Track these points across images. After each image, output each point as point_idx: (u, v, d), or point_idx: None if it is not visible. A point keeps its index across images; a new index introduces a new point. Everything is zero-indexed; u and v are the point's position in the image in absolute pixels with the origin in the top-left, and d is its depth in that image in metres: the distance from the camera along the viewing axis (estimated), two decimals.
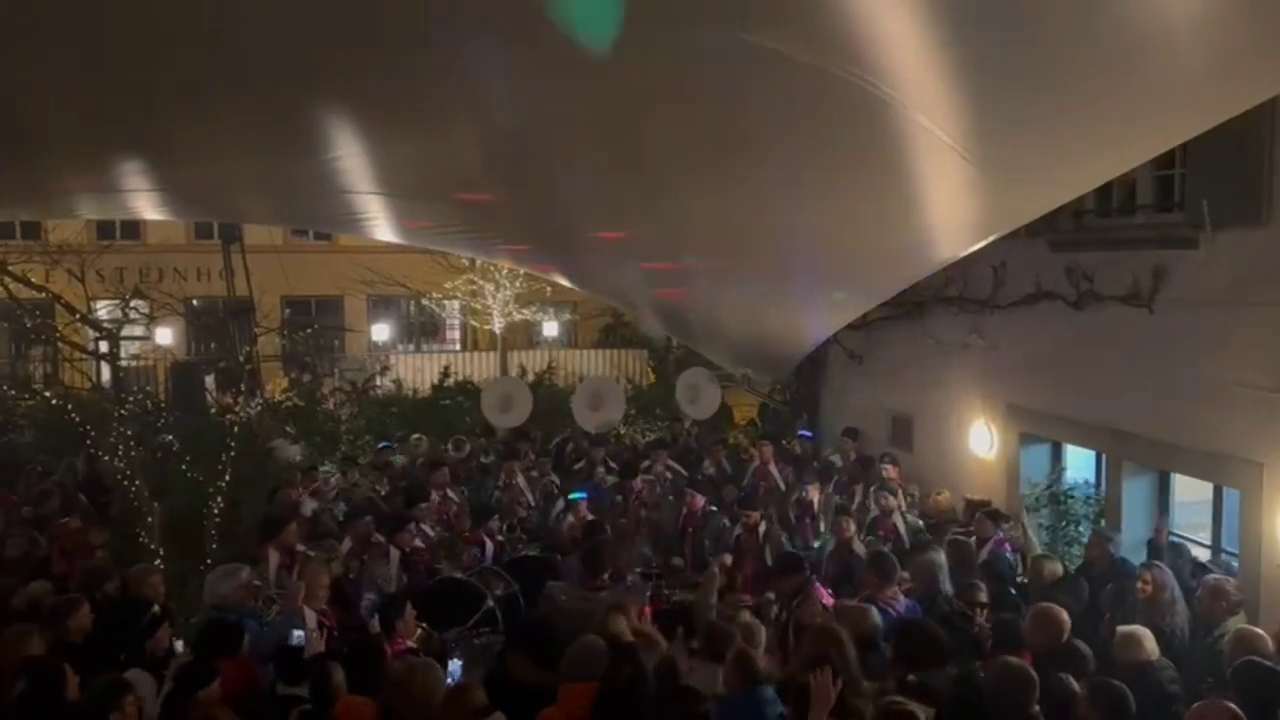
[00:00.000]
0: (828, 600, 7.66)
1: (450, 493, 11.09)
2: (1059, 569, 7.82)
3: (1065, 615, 6.26)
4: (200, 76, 4.99)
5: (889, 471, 10.96)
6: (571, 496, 10.72)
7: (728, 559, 8.51)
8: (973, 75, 5.17)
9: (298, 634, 6.57)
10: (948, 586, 7.80)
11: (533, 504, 11.37)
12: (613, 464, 12.52)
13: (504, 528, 10.44)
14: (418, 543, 9.24)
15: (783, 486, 11.59)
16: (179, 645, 6.51)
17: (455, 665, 6.42)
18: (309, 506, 10.28)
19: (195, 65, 4.85)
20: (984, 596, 7.19)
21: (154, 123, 5.76)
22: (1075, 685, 5.34)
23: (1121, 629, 6.22)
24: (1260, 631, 6.16)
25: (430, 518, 10.16)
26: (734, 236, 8.65)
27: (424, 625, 7.32)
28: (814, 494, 10.59)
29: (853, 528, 9.17)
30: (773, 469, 11.94)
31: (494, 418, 14.34)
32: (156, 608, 6.92)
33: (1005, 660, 5.50)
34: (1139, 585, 7.08)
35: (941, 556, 8.06)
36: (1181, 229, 8.43)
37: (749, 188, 7.11)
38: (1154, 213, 9.10)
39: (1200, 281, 8.22)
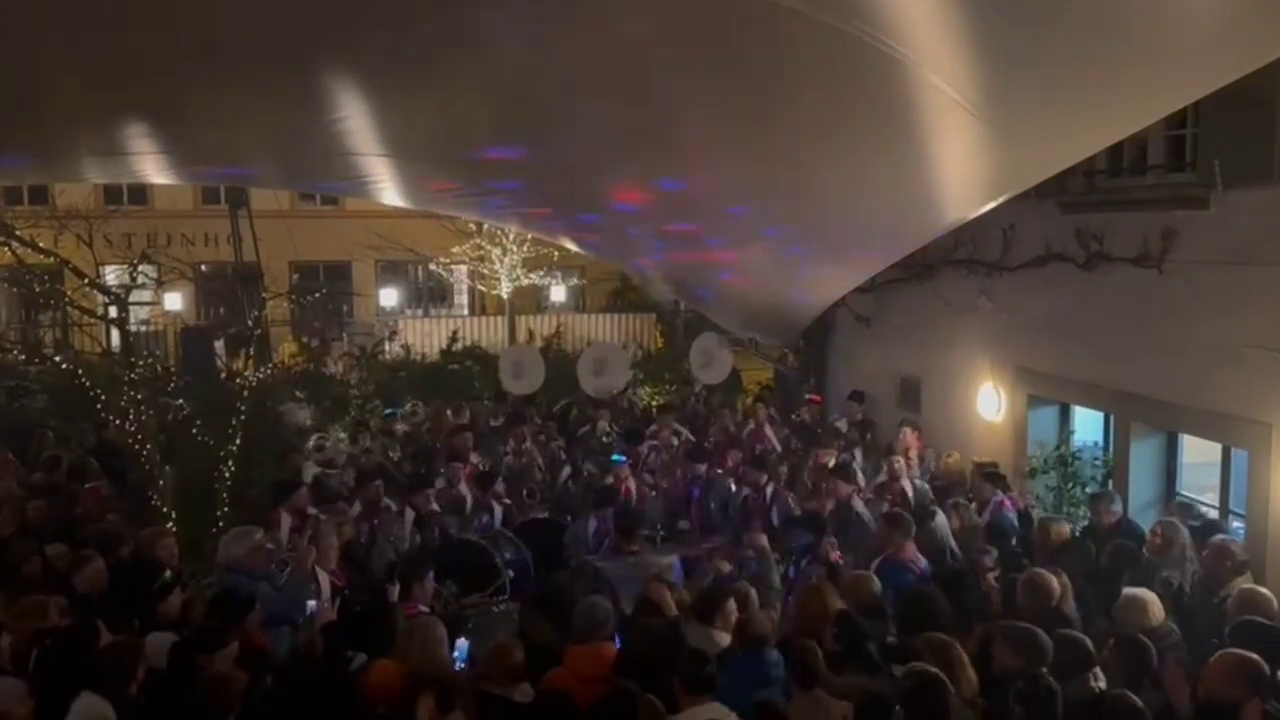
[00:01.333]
0: (837, 559, 7.73)
1: (474, 458, 11.20)
2: (1066, 531, 7.83)
3: (1055, 582, 6.35)
4: (204, 35, 4.97)
5: (907, 438, 10.93)
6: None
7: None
8: (984, 34, 5.12)
9: (311, 605, 6.66)
10: (954, 548, 7.87)
11: (542, 467, 11.45)
12: (614, 428, 12.56)
13: (525, 493, 10.55)
14: (433, 506, 9.34)
15: (778, 448, 11.63)
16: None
17: (462, 643, 6.42)
18: (310, 471, 10.37)
19: (199, 23, 4.83)
20: (990, 561, 7.25)
21: (159, 82, 5.73)
22: (1089, 643, 5.40)
23: (1126, 592, 6.24)
24: (1266, 592, 6.19)
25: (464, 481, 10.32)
26: (745, 197, 8.62)
27: (441, 588, 7.43)
28: (828, 459, 10.61)
29: (847, 489, 9.17)
30: (768, 430, 11.96)
31: (507, 384, 14.41)
32: (169, 573, 6.94)
33: (1016, 624, 5.58)
34: (1150, 537, 7.11)
35: (944, 519, 8.12)
36: (1193, 189, 8.38)
37: (759, 148, 7.07)
38: (1165, 173, 9.04)
39: (1210, 242, 8.17)
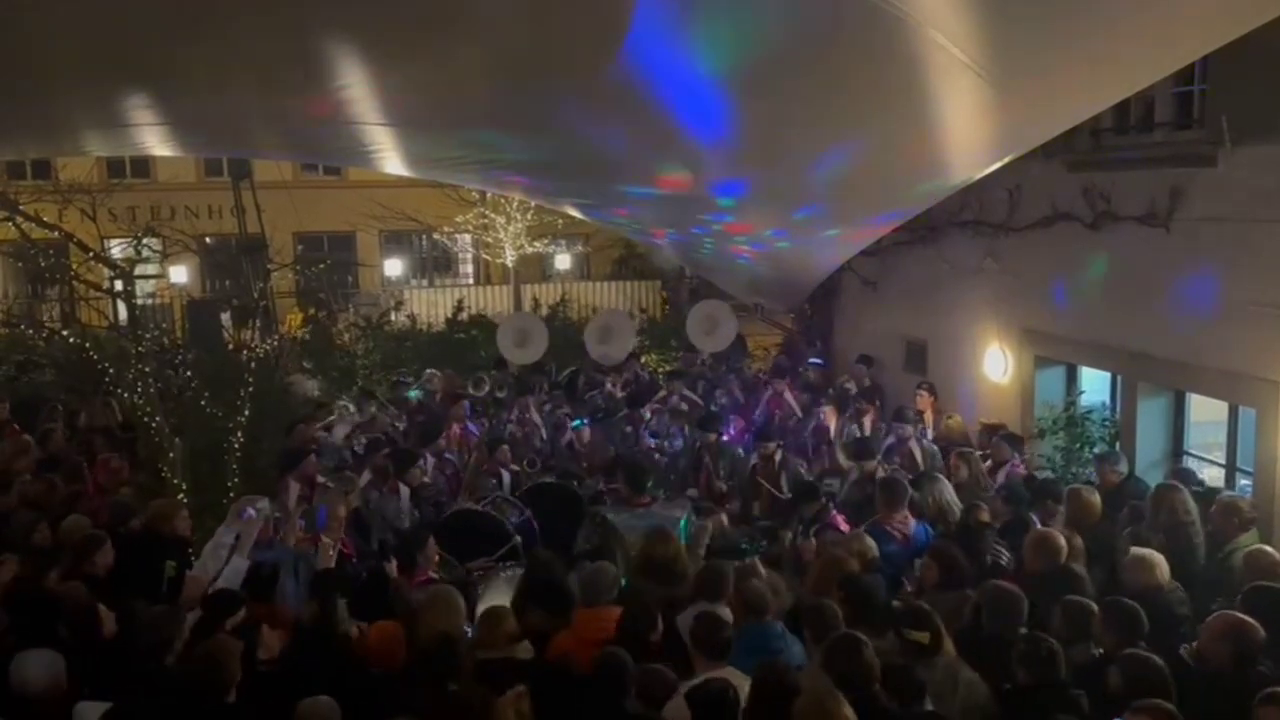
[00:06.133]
0: (845, 529, 7.73)
1: (471, 425, 11.22)
2: (1098, 501, 7.33)
3: (1061, 540, 6.33)
4: (203, 4, 4.94)
5: (921, 401, 10.93)
6: (574, 424, 10.77)
7: None
8: None
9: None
10: (956, 512, 7.85)
11: (545, 437, 11.46)
12: (618, 392, 12.58)
13: (525, 462, 10.58)
14: (425, 479, 9.36)
15: (799, 414, 11.60)
16: None
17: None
18: (340, 433, 10.44)
19: None
20: (986, 515, 7.25)
21: (158, 53, 5.70)
22: (1091, 605, 5.40)
23: (1133, 551, 6.24)
24: (1274, 552, 6.17)
25: (452, 447, 10.31)
26: (748, 161, 8.57)
27: (446, 556, 7.45)
28: (830, 418, 10.57)
29: (875, 464, 9.14)
30: (788, 397, 11.92)
31: (510, 353, 14.31)
32: (171, 566, 6.68)
33: (994, 584, 5.67)
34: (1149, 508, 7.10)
35: (947, 484, 8.12)
36: (1200, 146, 8.31)
37: (760, 110, 7.02)
38: (1173, 130, 8.97)
39: (1217, 200, 8.12)
